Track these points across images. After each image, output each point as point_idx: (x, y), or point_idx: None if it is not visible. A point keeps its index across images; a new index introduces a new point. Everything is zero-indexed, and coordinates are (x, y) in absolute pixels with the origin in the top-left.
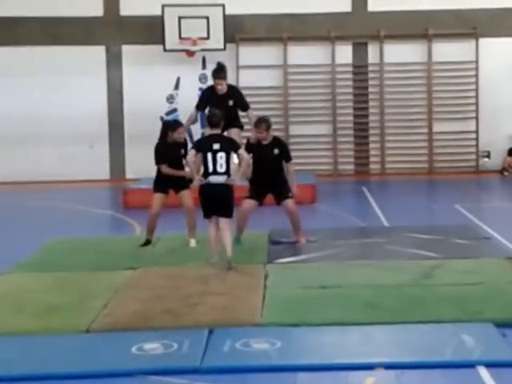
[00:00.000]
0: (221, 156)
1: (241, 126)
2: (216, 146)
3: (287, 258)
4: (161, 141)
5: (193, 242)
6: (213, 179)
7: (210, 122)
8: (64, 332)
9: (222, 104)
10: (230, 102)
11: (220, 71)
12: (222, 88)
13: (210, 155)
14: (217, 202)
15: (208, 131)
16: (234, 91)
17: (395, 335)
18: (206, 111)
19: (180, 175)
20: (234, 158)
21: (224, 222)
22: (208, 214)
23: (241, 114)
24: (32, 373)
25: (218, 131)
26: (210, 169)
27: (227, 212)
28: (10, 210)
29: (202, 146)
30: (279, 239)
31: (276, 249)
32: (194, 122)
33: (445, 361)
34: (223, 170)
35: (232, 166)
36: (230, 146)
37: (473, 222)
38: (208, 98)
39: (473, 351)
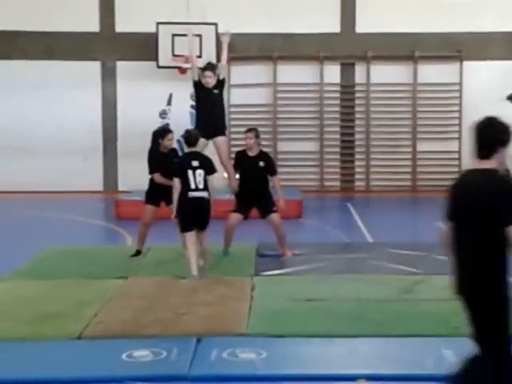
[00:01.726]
0: (199, 173)
1: (225, 133)
2: (195, 163)
3: (274, 271)
4: (152, 149)
5: None
6: (195, 194)
7: (188, 141)
8: (57, 338)
9: (211, 97)
10: (215, 91)
11: (209, 65)
12: (210, 82)
13: (190, 172)
14: (200, 215)
15: (186, 149)
16: (220, 83)
17: (378, 348)
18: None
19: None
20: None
21: (204, 235)
22: (190, 228)
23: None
24: (25, 378)
25: (195, 149)
26: (192, 185)
27: (207, 225)
28: (6, 219)
29: (183, 164)
30: (266, 252)
31: (263, 261)
32: None
33: (425, 374)
34: (202, 186)
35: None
36: (207, 167)
37: None
38: (197, 89)
39: (452, 365)
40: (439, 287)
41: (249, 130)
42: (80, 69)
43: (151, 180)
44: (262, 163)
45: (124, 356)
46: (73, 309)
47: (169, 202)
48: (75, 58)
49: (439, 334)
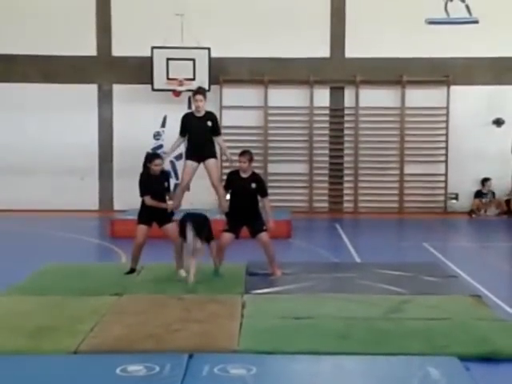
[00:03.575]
0: None
1: (216, 156)
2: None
3: (263, 289)
4: (144, 173)
5: (183, 272)
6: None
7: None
8: (54, 353)
9: (201, 125)
10: (209, 123)
11: (199, 89)
12: (201, 105)
13: None
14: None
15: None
16: (211, 114)
17: (364, 366)
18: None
19: (163, 207)
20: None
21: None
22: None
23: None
24: None
25: None
26: None
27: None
28: (5, 237)
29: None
30: (256, 271)
31: (253, 280)
32: (177, 147)
33: None
34: None
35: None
36: None
37: (440, 260)
38: (188, 121)
39: (438, 383)
40: (425, 307)
41: (243, 154)
42: (78, 91)
43: (143, 201)
44: (254, 185)
45: (118, 370)
46: (69, 324)
47: (161, 223)
48: (73, 81)
49: (425, 353)
